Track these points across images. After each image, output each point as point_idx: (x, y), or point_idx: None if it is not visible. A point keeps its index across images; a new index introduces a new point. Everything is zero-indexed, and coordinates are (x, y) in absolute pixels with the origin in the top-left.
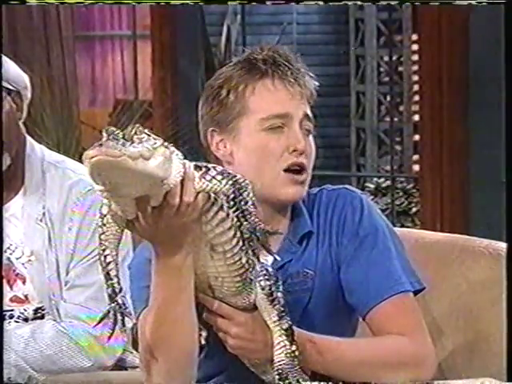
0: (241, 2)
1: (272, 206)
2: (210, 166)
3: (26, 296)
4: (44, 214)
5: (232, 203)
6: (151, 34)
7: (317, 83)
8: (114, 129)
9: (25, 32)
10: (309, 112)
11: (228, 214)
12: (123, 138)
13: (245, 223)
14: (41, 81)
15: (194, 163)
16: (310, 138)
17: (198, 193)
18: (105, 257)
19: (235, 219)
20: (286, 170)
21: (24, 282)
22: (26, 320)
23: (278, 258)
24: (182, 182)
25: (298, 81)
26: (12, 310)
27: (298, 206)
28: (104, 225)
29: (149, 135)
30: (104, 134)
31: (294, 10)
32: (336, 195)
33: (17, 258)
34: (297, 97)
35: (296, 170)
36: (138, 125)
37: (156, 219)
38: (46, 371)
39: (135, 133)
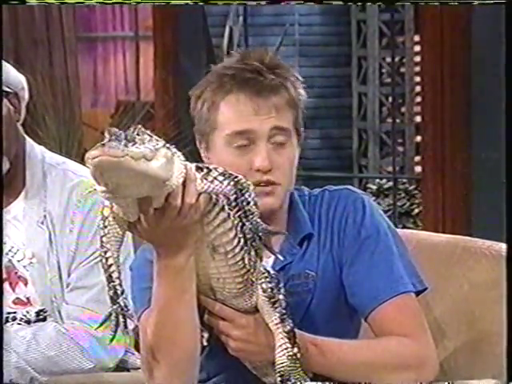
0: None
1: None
2: (211, 167)
3: (28, 298)
4: (45, 216)
5: (234, 204)
6: (153, 36)
7: (300, 87)
8: (116, 129)
9: (27, 33)
10: (283, 123)
11: (229, 215)
12: (125, 138)
13: (247, 224)
14: (43, 82)
15: (195, 164)
16: (286, 149)
17: (200, 194)
18: (106, 259)
19: (236, 219)
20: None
21: (26, 285)
22: (28, 322)
23: (281, 258)
24: (184, 183)
25: (266, 95)
26: (15, 313)
27: (297, 207)
28: (106, 227)
29: (151, 136)
30: (106, 135)
31: (296, 12)
32: (338, 196)
33: (18, 261)
34: (262, 112)
35: (261, 185)
36: (139, 126)
37: (158, 221)
38: (47, 373)
39: (137, 134)
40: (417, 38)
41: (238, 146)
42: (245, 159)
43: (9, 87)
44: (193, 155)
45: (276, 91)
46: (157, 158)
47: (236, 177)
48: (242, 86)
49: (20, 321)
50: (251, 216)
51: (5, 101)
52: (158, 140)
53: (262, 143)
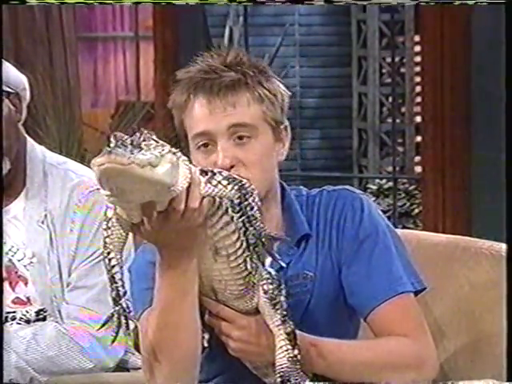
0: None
1: None
2: (215, 170)
3: (28, 298)
4: (46, 215)
5: (237, 208)
6: (153, 36)
7: (270, 81)
8: (122, 135)
9: (27, 33)
10: (241, 120)
11: (232, 218)
12: (131, 144)
13: (250, 229)
14: (43, 82)
15: (199, 168)
16: (251, 145)
17: (204, 198)
18: (109, 260)
19: (239, 223)
20: None
21: (26, 284)
22: (28, 322)
23: (284, 265)
24: (188, 187)
25: (220, 94)
26: (14, 312)
27: (292, 208)
28: (109, 228)
29: (157, 141)
30: (112, 140)
31: (296, 12)
32: (336, 196)
33: (18, 260)
34: (217, 111)
35: None
36: (146, 131)
37: (161, 224)
38: (47, 373)
39: (143, 139)
40: (417, 38)
41: (201, 148)
42: (209, 160)
43: (10, 87)
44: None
45: (234, 88)
46: (162, 164)
47: (240, 181)
48: (198, 87)
49: (20, 320)
50: (254, 221)
51: (6, 101)
52: (163, 145)
53: (221, 142)
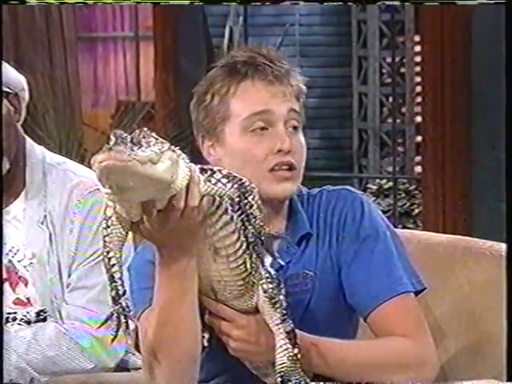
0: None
1: (264, 205)
2: (215, 168)
3: (28, 299)
4: (45, 216)
5: (237, 207)
6: (154, 36)
7: (303, 80)
8: (122, 132)
9: (27, 33)
10: (296, 107)
11: (232, 218)
12: (131, 141)
13: (249, 227)
14: (43, 82)
15: (199, 166)
16: (299, 135)
17: (203, 196)
18: (109, 259)
19: (239, 223)
20: (271, 170)
21: (26, 285)
22: (28, 322)
23: (283, 263)
24: (188, 185)
25: (279, 79)
26: (15, 313)
27: (295, 207)
28: (108, 227)
29: (156, 139)
30: (112, 138)
31: (296, 12)
32: (336, 196)
33: (18, 261)
34: (279, 95)
35: (283, 168)
36: (145, 128)
37: (161, 222)
38: (48, 373)
39: (143, 136)
40: (417, 39)
41: (255, 131)
42: (264, 143)
43: (9, 88)
44: (193, 155)
45: (286, 78)
46: (162, 161)
47: (240, 179)
48: (256, 71)
49: (20, 321)
50: (254, 219)
51: (5, 101)
52: (163, 142)
53: (279, 125)
